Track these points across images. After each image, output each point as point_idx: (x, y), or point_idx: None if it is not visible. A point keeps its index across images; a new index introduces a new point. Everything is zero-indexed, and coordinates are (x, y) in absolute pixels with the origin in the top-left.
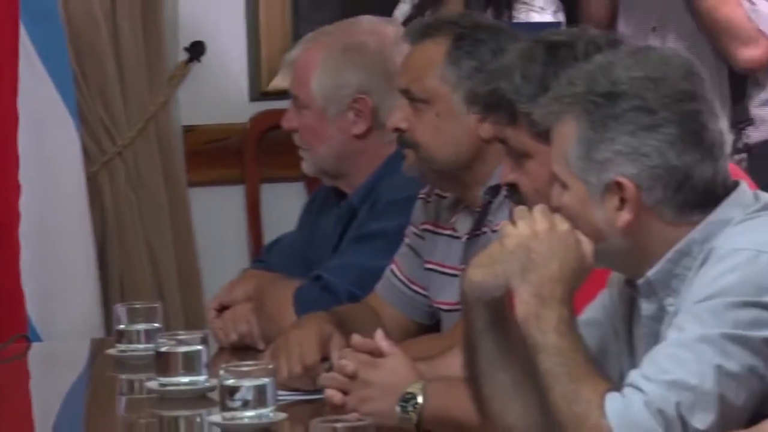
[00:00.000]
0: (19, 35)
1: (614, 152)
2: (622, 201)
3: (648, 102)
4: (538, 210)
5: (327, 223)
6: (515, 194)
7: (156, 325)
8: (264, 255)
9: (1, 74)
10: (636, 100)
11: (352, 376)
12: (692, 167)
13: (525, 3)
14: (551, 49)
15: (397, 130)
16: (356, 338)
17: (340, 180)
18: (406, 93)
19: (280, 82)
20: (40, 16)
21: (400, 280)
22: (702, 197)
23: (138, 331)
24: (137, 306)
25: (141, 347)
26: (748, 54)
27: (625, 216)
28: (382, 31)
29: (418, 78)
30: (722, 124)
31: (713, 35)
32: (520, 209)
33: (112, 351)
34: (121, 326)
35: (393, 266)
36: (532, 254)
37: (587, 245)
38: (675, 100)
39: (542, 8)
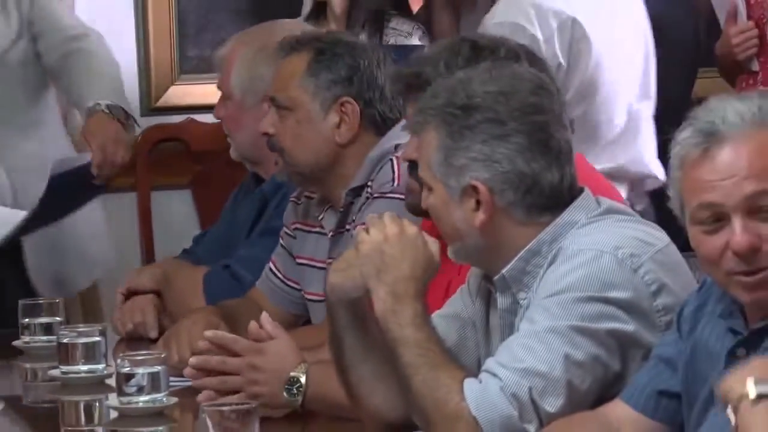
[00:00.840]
0: None
1: (470, 159)
2: (478, 203)
3: (499, 114)
4: (388, 216)
5: (245, 210)
6: (415, 170)
7: (58, 318)
8: (192, 247)
9: None
10: (489, 112)
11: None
12: (539, 173)
13: (394, 29)
14: (475, 48)
15: (266, 134)
16: (251, 325)
17: (258, 166)
18: (272, 101)
19: (167, 98)
20: None
21: (276, 276)
22: (549, 200)
23: (41, 324)
24: (41, 302)
25: (44, 339)
26: None
27: (480, 216)
28: (297, 29)
29: (283, 87)
30: (568, 135)
31: None
32: (372, 217)
33: (17, 342)
34: (26, 320)
35: (271, 264)
36: (385, 257)
37: (434, 245)
38: (524, 113)
39: (409, 33)
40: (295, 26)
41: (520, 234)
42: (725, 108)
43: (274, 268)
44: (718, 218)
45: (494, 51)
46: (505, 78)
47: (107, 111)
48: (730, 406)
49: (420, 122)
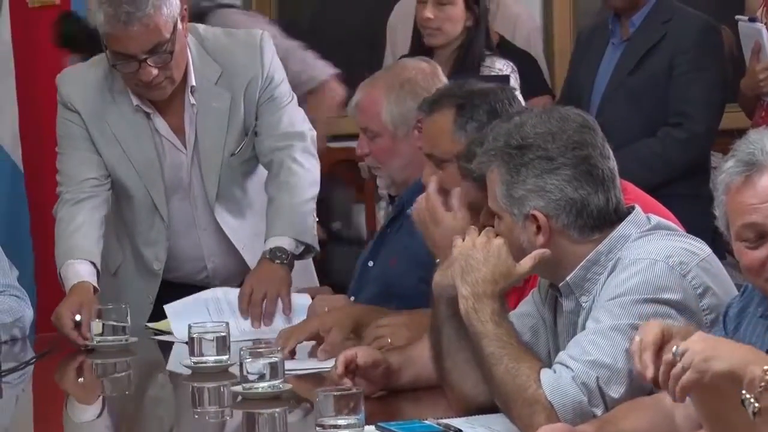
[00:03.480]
0: None
1: (527, 191)
2: (538, 228)
3: (548, 151)
4: (485, 230)
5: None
6: None
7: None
8: None
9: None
10: (539, 150)
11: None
12: (587, 198)
13: (488, 66)
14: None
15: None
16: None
17: (402, 188)
18: (430, 157)
19: None
20: None
21: None
22: (598, 221)
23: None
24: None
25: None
26: None
27: (540, 239)
28: (420, 67)
29: (437, 144)
30: (611, 163)
31: None
32: (470, 228)
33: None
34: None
35: None
36: (471, 260)
37: (521, 265)
38: (569, 149)
39: (501, 70)
40: (417, 64)
41: (576, 250)
42: (763, 140)
43: None
44: (761, 236)
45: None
46: (553, 120)
47: (268, 257)
48: (751, 393)
49: (485, 162)
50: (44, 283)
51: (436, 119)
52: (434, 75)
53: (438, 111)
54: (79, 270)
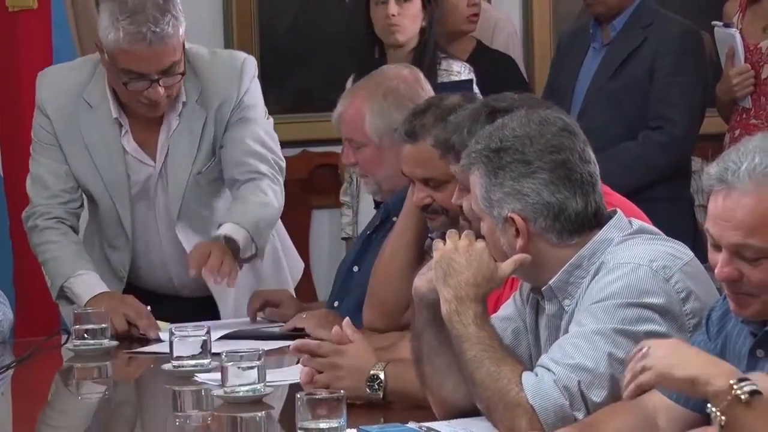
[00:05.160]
0: None
1: (504, 193)
2: (517, 230)
3: (525, 155)
4: (464, 233)
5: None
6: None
7: (104, 325)
8: None
9: None
10: (516, 154)
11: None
12: (564, 202)
13: (446, 70)
14: (492, 113)
15: (426, 206)
16: (335, 329)
17: (390, 196)
18: (425, 182)
19: None
20: None
21: None
22: (576, 225)
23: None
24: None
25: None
26: None
27: (520, 242)
28: (402, 75)
29: (431, 168)
30: (591, 168)
31: None
32: (450, 232)
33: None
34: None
35: None
36: (453, 264)
37: (502, 268)
38: (547, 153)
39: (459, 72)
40: (398, 71)
41: (556, 254)
42: (741, 161)
43: None
44: (715, 244)
45: (509, 112)
46: (533, 123)
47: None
48: (717, 407)
49: (466, 164)
50: (24, 287)
51: (420, 146)
52: (416, 82)
53: (422, 138)
54: (90, 280)
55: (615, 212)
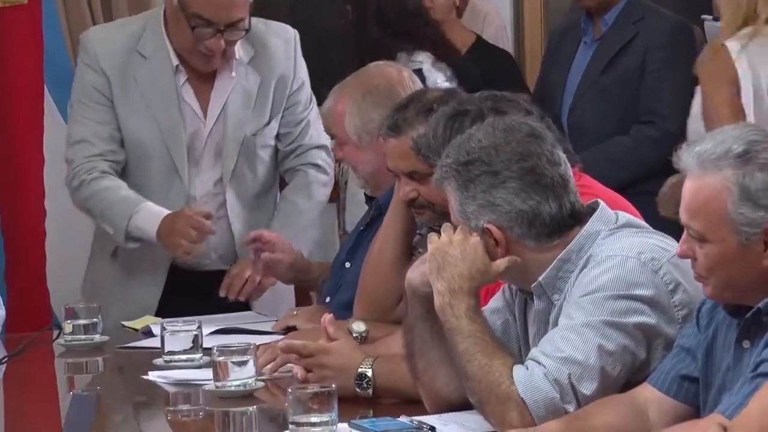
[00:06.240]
0: (44, 96)
1: (478, 206)
2: (495, 240)
3: (492, 165)
4: (459, 227)
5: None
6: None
7: (95, 320)
8: None
9: (29, 128)
10: (484, 165)
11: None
12: (537, 208)
13: (413, 61)
14: (453, 117)
15: (412, 200)
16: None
17: (377, 190)
18: (410, 175)
19: None
20: (59, 80)
21: None
22: (552, 228)
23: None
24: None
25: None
26: None
27: (499, 251)
28: (387, 74)
29: (410, 164)
30: (562, 169)
31: None
32: (446, 225)
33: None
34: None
35: None
36: (447, 257)
37: (497, 264)
38: (514, 161)
39: (422, 62)
40: (384, 70)
41: (539, 258)
42: (695, 148)
43: None
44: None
45: (467, 114)
46: (498, 132)
47: None
48: None
49: (439, 179)
50: (15, 283)
51: (403, 141)
52: (400, 81)
53: (405, 132)
54: (150, 210)
55: (597, 204)
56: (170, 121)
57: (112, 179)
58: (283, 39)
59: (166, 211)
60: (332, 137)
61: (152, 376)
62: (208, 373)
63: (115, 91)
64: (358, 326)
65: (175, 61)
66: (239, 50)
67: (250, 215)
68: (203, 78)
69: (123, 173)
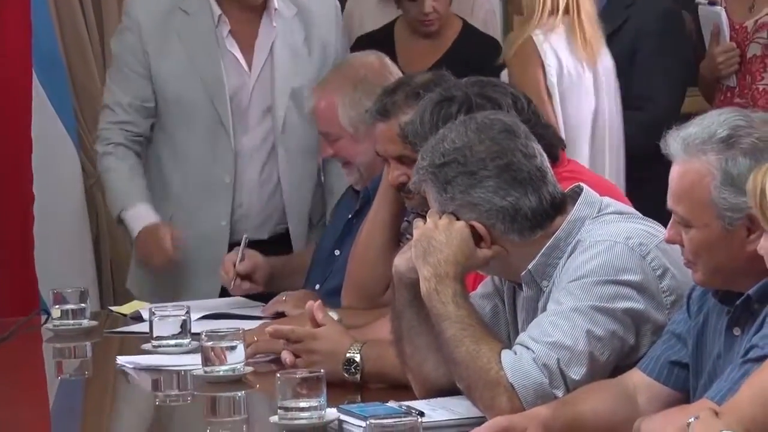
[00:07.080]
0: (32, 82)
1: (457, 206)
2: (481, 238)
3: (467, 166)
4: (444, 214)
5: (344, 207)
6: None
7: (83, 305)
8: None
9: (18, 113)
10: (459, 166)
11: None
12: (517, 203)
13: None
14: (440, 103)
15: (401, 185)
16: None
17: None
18: (399, 159)
19: None
20: (47, 66)
21: None
22: (534, 221)
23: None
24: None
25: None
26: None
27: (485, 247)
28: (369, 62)
29: (399, 149)
30: (537, 161)
31: None
32: (432, 211)
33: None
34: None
35: None
36: (433, 242)
37: (483, 250)
38: (489, 159)
39: None
40: (365, 59)
41: (524, 251)
42: (681, 132)
43: None
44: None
45: (452, 100)
46: (470, 131)
47: None
48: None
49: (417, 182)
50: (3, 267)
51: (392, 124)
52: (383, 67)
53: (394, 115)
54: (139, 213)
55: (580, 188)
56: (214, 73)
57: (120, 157)
58: (325, 5)
59: (151, 218)
60: (325, 136)
61: (121, 361)
62: (196, 359)
63: (154, 51)
64: (332, 315)
65: (218, 11)
66: (281, 4)
67: (300, 173)
68: (247, 30)
69: (165, 135)
